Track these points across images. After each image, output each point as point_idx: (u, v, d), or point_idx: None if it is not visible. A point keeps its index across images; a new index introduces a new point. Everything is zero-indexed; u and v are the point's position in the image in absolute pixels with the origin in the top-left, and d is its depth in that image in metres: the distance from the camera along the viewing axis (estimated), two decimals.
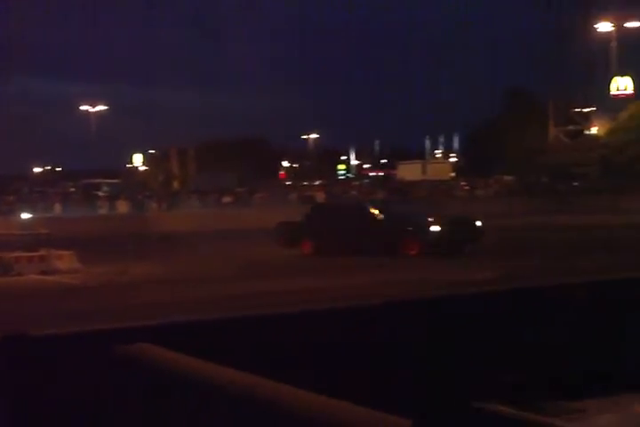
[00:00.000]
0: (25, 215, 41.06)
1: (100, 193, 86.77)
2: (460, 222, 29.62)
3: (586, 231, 35.25)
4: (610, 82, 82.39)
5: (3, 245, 27.98)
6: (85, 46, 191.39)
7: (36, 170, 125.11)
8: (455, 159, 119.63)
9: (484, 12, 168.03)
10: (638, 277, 6.44)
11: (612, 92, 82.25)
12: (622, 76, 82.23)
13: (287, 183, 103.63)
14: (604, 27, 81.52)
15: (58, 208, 69.12)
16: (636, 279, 6.25)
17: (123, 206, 69.95)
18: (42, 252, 27.60)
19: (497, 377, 4.82)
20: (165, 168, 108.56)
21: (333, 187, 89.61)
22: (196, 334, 4.39)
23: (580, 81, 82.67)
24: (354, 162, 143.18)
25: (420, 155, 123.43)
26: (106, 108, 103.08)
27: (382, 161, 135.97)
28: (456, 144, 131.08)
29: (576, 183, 72.42)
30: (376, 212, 29.79)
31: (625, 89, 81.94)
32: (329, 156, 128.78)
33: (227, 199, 75.51)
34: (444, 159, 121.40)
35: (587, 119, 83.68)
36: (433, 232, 28.22)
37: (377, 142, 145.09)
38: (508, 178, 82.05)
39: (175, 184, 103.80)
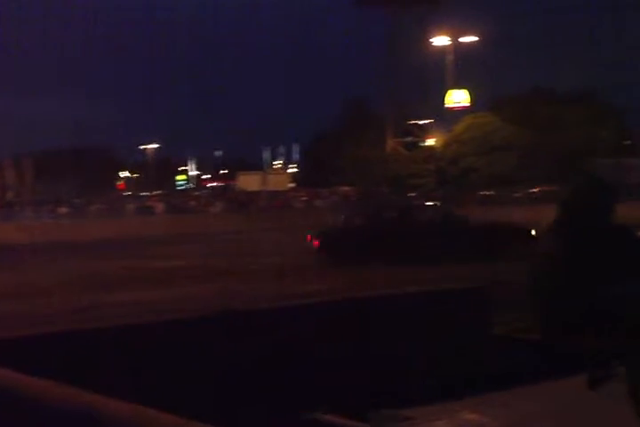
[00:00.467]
0: None
1: None
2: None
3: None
4: (446, 95, 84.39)
5: None
6: None
7: None
8: (295, 170, 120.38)
9: (330, 25, 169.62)
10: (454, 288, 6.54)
11: (447, 105, 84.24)
12: (458, 89, 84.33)
13: (126, 194, 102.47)
14: (441, 41, 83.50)
15: None
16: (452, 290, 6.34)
17: None
18: None
19: (326, 386, 4.81)
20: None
21: (172, 197, 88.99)
22: (19, 349, 4.25)
23: (418, 93, 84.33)
24: (194, 172, 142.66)
25: (260, 165, 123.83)
26: None
27: (222, 171, 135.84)
28: (296, 155, 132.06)
29: (412, 194, 73.76)
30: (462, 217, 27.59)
31: (460, 102, 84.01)
32: (169, 166, 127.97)
33: (62, 210, 74.07)
34: (284, 170, 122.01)
35: (423, 131, 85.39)
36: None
37: (217, 153, 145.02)
38: (346, 189, 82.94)
39: (9, 195, 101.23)
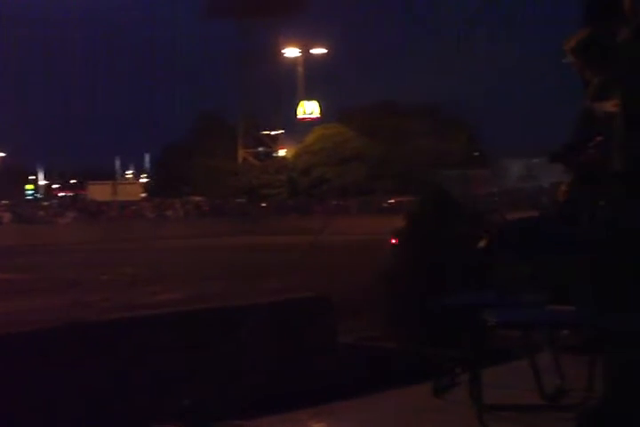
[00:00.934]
0: None
1: None
2: None
3: (273, 252, 35.88)
4: (297, 106, 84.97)
5: None
6: None
7: None
8: (146, 180, 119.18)
9: (185, 36, 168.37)
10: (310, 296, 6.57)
11: (299, 116, 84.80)
12: (309, 100, 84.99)
13: None
14: (292, 52, 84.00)
15: None
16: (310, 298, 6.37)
17: None
18: None
19: (171, 400, 4.76)
20: None
21: (20, 207, 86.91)
22: None
23: (270, 104, 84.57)
24: (43, 182, 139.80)
25: (111, 175, 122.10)
26: None
27: (72, 181, 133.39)
28: (147, 165, 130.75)
29: (264, 204, 73.92)
30: None
31: (311, 113, 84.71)
32: (16, 175, 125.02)
33: None
34: (135, 180, 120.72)
35: (275, 142, 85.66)
36: None
37: (67, 162, 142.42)
38: (198, 199, 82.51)
39: None
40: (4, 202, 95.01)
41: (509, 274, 5.80)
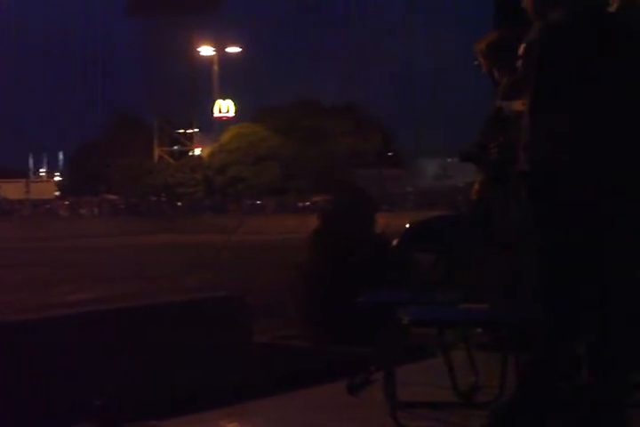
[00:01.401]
0: None
1: None
2: None
3: (188, 251, 35.74)
4: (213, 105, 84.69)
5: None
6: None
7: None
8: (60, 178, 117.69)
9: (101, 33, 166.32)
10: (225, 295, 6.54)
11: (214, 115, 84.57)
12: (224, 99, 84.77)
13: None
14: (207, 51, 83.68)
15: None
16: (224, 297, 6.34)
17: None
18: None
19: (86, 400, 4.70)
20: None
21: None
22: None
23: (186, 103, 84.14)
24: None
25: (24, 173, 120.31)
26: None
27: None
28: (61, 163, 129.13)
29: (180, 203, 73.56)
30: None
31: (227, 111, 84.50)
32: None
33: None
34: (49, 178, 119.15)
35: (191, 140, 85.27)
36: None
37: None
38: (113, 197, 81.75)
39: None
40: None
41: (423, 272, 5.84)
